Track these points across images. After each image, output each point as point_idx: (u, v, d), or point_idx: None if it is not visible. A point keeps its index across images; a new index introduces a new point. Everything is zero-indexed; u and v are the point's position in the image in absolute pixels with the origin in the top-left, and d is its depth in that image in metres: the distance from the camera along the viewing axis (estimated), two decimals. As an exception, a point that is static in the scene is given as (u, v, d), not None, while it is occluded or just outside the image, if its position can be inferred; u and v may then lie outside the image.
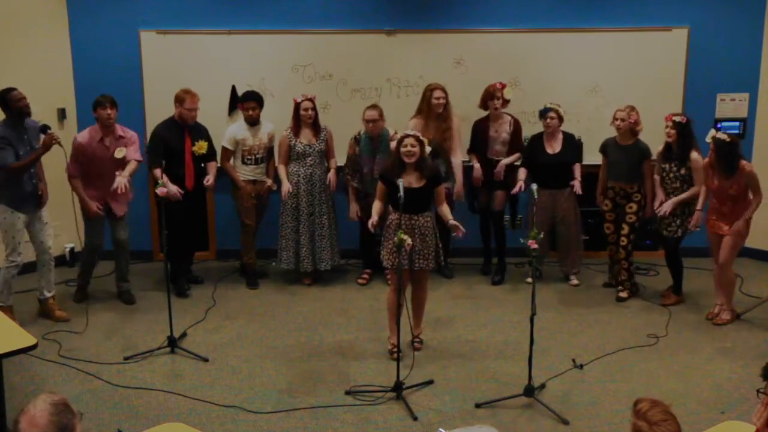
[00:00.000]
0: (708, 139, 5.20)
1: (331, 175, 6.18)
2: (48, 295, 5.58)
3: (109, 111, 5.52)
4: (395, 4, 6.63)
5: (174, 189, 5.62)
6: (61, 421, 2.13)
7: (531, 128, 6.51)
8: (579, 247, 6.35)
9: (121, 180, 5.48)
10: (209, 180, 5.97)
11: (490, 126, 6.20)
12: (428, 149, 4.85)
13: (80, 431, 2.20)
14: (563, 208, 6.13)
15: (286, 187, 6.06)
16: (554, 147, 6.06)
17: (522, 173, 6.10)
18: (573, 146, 6.11)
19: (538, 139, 6.14)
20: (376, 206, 4.92)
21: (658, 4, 6.60)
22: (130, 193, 5.72)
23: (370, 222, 4.83)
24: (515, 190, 6.04)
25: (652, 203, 5.77)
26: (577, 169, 6.06)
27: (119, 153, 5.65)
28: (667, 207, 5.56)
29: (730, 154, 5.10)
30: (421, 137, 4.79)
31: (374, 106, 6.04)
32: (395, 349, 4.56)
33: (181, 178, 5.83)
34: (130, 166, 5.69)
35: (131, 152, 5.71)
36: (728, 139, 5.13)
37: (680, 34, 6.60)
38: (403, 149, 4.70)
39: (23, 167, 5.18)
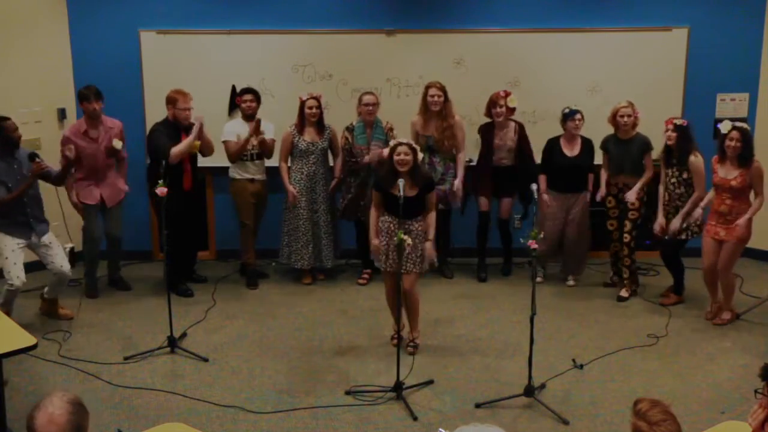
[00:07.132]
0: (726, 130, 5.16)
1: (332, 184, 6.22)
2: (53, 295, 5.48)
3: (94, 105, 5.57)
4: (395, 4, 6.63)
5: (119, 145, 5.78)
6: (78, 420, 2.17)
7: (530, 128, 6.49)
8: (584, 252, 6.30)
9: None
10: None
11: (496, 134, 6.17)
12: (420, 156, 4.82)
13: (89, 430, 2.22)
14: (574, 212, 6.09)
15: (292, 191, 6.08)
16: (573, 150, 6.01)
17: (542, 181, 6.00)
18: (590, 151, 6.03)
19: (555, 142, 6.09)
20: (373, 216, 4.92)
21: (658, 4, 6.60)
22: (124, 185, 5.93)
23: (373, 244, 4.89)
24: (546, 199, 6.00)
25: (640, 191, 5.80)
26: (589, 179, 6.04)
27: (117, 144, 5.71)
28: (675, 223, 5.56)
29: (751, 141, 5.15)
30: (413, 144, 4.76)
31: (371, 93, 6.07)
32: (395, 335, 4.57)
33: (180, 179, 5.81)
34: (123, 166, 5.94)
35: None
36: (747, 126, 5.25)
37: (680, 34, 6.60)
38: (396, 157, 4.65)
39: (11, 200, 5.03)
